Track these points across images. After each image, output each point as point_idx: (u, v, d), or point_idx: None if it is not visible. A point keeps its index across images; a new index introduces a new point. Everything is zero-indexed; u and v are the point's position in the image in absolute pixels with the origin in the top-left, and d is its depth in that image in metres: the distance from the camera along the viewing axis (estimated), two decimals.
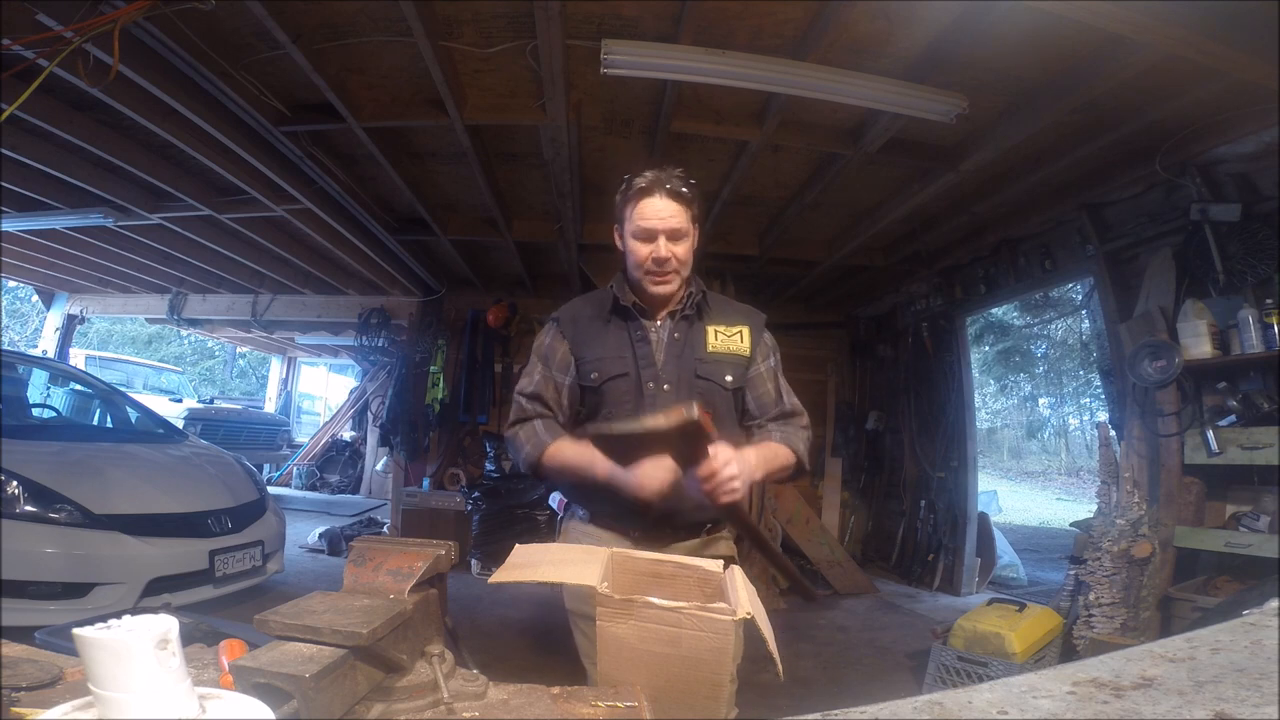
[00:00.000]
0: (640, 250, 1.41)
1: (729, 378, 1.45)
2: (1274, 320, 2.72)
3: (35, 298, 8.90)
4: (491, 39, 2.55)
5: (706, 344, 1.47)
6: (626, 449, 1.23)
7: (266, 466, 9.30)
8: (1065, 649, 3.11)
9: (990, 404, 19.00)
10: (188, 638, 0.72)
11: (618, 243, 1.49)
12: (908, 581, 5.33)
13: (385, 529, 6.21)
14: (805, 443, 1.50)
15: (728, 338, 1.49)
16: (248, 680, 0.60)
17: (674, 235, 1.40)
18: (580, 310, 1.53)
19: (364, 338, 6.72)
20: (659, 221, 1.38)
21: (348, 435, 10.54)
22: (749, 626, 0.82)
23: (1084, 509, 5.34)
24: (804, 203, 3.95)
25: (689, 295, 1.48)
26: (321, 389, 16.03)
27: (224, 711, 0.53)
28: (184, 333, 14.15)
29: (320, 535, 5.63)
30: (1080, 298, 9.94)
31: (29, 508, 2.70)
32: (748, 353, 1.49)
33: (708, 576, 0.99)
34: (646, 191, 1.39)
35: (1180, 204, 3.13)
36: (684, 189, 1.39)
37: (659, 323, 1.48)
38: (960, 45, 2.43)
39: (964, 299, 5.00)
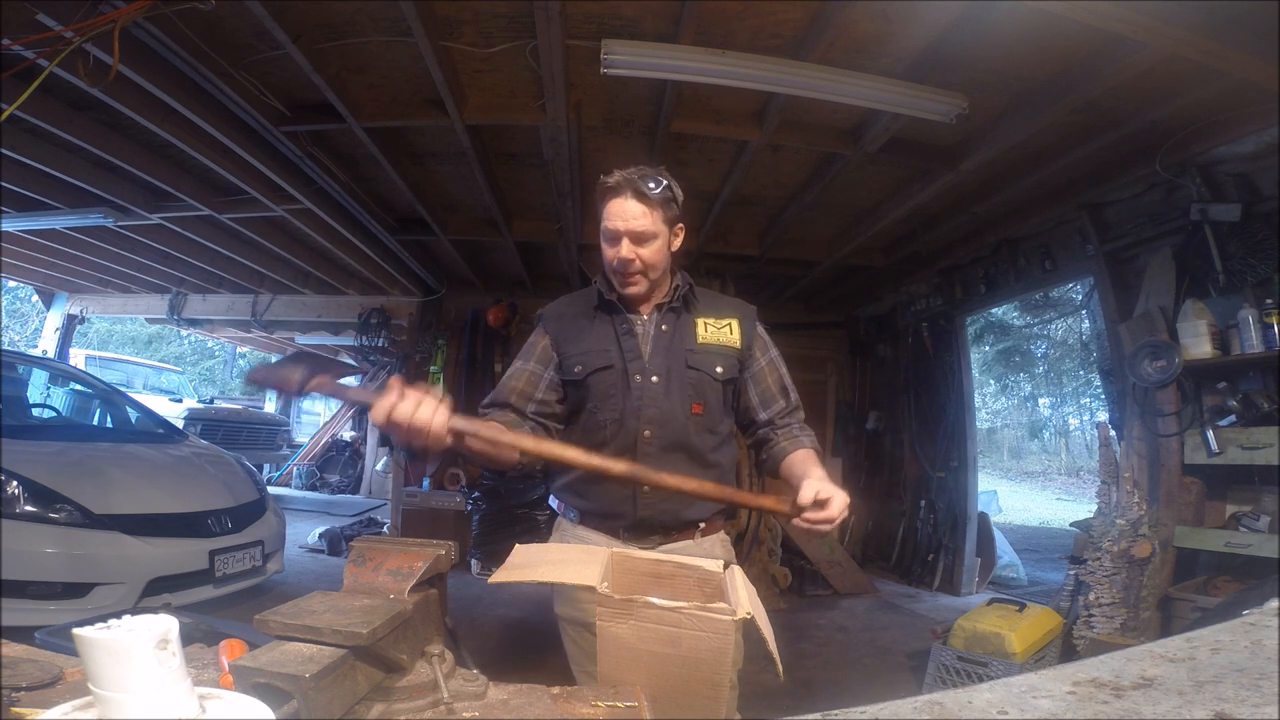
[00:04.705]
0: (606, 251, 1.41)
1: (719, 369, 1.44)
2: (1274, 320, 2.72)
3: (35, 298, 8.90)
4: (491, 39, 2.55)
5: (696, 335, 1.45)
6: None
7: (266, 466, 9.30)
8: (1065, 649, 3.10)
9: (990, 404, 19.01)
10: (188, 638, 0.72)
11: None
12: (908, 581, 5.33)
13: (385, 529, 6.21)
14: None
15: (717, 330, 1.47)
16: (248, 680, 0.60)
17: (638, 238, 1.37)
18: (565, 307, 1.52)
19: (364, 338, 6.72)
20: (622, 223, 1.36)
21: (348, 435, 10.55)
22: (749, 626, 0.82)
23: (1084, 509, 5.34)
24: (804, 203, 3.95)
25: (675, 288, 1.47)
26: None
27: (224, 711, 0.53)
28: (184, 333, 14.14)
29: (320, 535, 5.63)
30: (1080, 298, 9.95)
31: (29, 508, 2.69)
32: (738, 344, 1.47)
33: (708, 576, 0.99)
34: (614, 191, 1.36)
35: (1180, 204, 3.13)
36: (652, 190, 1.36)
37: (645, 316, 1.47)
38: (960, 45, 2.43)
39: (964, 299, 5.00)
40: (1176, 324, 3.05)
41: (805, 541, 5.10)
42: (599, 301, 1.47)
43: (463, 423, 1.09)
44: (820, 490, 1.17)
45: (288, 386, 1.10)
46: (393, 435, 1.05)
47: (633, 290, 1.42)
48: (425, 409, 1.03)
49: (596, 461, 1.14)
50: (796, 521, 1.19)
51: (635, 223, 1.36)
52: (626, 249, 1.37)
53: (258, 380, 1.14)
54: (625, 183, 1.35)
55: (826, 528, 1.18)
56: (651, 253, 1.39)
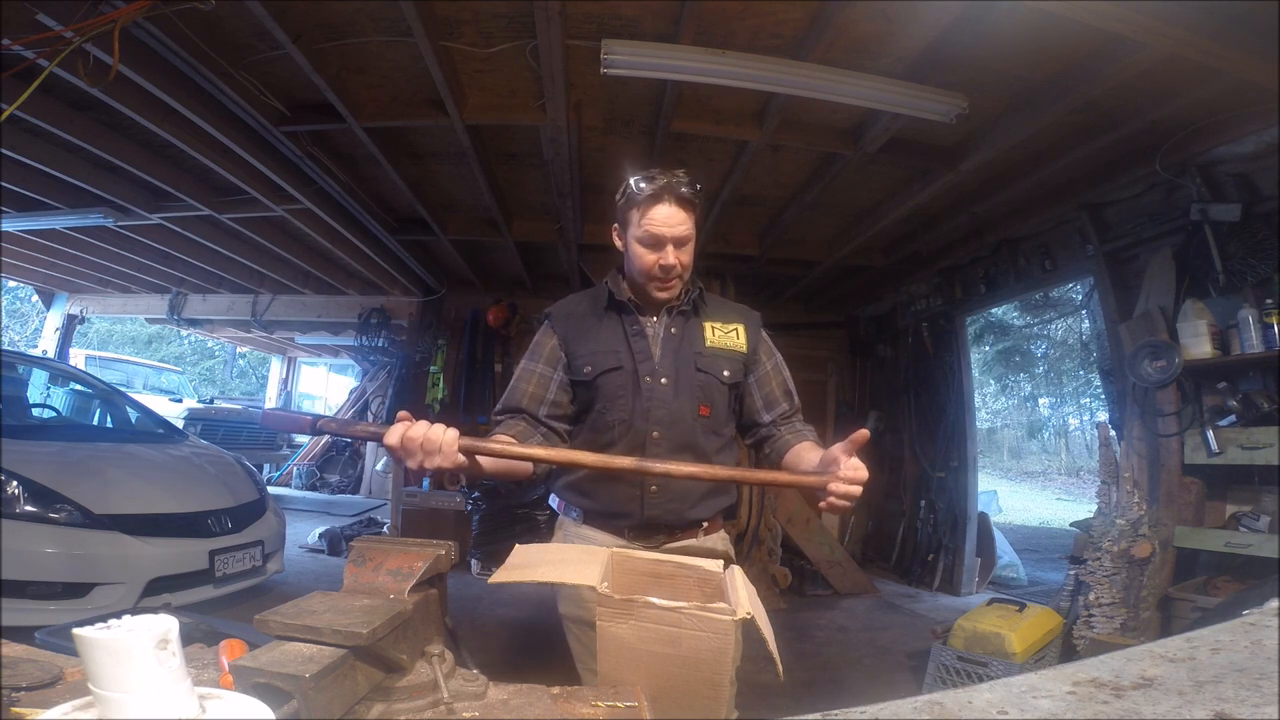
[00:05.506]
0: (647, 257, 1.39)
1: (726, 373, 1.45)
2: (1274, 320, 2.72)
3: (35, 298, 8.91)
4: (491, 39, 2.55)
5: (704, 339, 1.46)
6: None
7: (266, 466, 9.30)
8: (1065, 649, 3.10)
9: (990, 404, 19.00)
10: (188, 638, 0.72)
11: (617, 242, 1.48)
12: (908, 581, 5.32)
13: (385, 529, 6.21)
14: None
15: (724, 334, 1.49)
16: (248, 680, 0.60)
17: (680, 242, 1.38)
18: (573, 306, 1.52)
19: (364, 338, 6.73)
20: (668, 230, 1.36)
21: None
22: (749, 626, 0.82)
23: (1084, 509, 5.34)
24: (804, 203, 3.95)
25: (686, 292, 1.48)
26: (321, 389, 16.02)
27: (224, 711, 0.53)
28: (184, 333, 14.15)
29: (320, 535, 5.63)
30: (1080, 298, 9.94)
31: (29, 508, 2.69)
32: (744, 349, 1.49)
33: (708, 576, 0.99)
34: (656, 198, 1.36)
35: (1180, 204, 3.13)
36: (693, 196, 1.38)
37: (655, 318, 1.47)
38: (960, 45, 2.43)
39: (964, 299, 5.00)
40: (1176, 324, 3.05)
41: (805, 540, 5.10)
42: (609, 301, 1.48)
43: (472, 442, 1.11)
44: (846, 448, 1.17)
45: (300, 427, 1.17)
46: (408, 460, 1.08)
47: (668, 294, 1.44)
48: (436, 429, 1.08)
49: (612, 462, 1.14)
50: (833, 486, 1.17)
51: (680, 229, 1.37)
52: (672, 255, 1.38)
53: (271, 424, 1.19)
54: (668, 188, 1.35)
55: (859, 489, 1.16)
56: (689, 256, 1.42)
